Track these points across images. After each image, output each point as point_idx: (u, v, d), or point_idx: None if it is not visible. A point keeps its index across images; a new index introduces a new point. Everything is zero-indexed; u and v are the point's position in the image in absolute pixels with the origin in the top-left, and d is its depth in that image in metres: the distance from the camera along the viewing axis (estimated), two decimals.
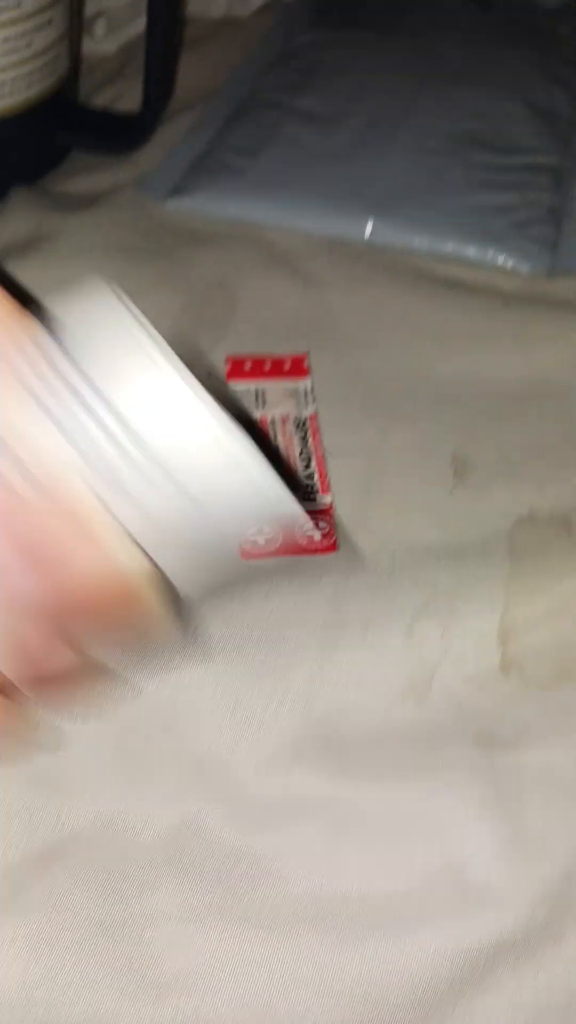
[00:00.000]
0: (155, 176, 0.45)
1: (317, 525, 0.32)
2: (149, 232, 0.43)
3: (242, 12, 0.59)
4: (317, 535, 0.31)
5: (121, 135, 0.48)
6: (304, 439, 0.34)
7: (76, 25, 0.47)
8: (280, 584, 0.30)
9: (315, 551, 0.31)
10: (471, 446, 0.35)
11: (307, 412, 0.35)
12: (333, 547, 0.31)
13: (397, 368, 0.37)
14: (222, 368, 0.36)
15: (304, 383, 0.36)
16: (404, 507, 0.33)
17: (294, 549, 0.31)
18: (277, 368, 0.36)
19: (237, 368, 0.36)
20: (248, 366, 0.36)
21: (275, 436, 0.34)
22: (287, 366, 0.37)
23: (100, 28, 0.55)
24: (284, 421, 0.35)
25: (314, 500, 0.32)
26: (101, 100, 0.51)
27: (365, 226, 0.41)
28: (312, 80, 0.49)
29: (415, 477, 0.34)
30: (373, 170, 0.44)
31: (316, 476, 0.33)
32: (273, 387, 0.36)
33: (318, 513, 0.32)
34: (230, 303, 0.39)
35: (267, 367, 0.36)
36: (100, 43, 0.55)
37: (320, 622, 0.29)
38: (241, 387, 0.36)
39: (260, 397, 0.35)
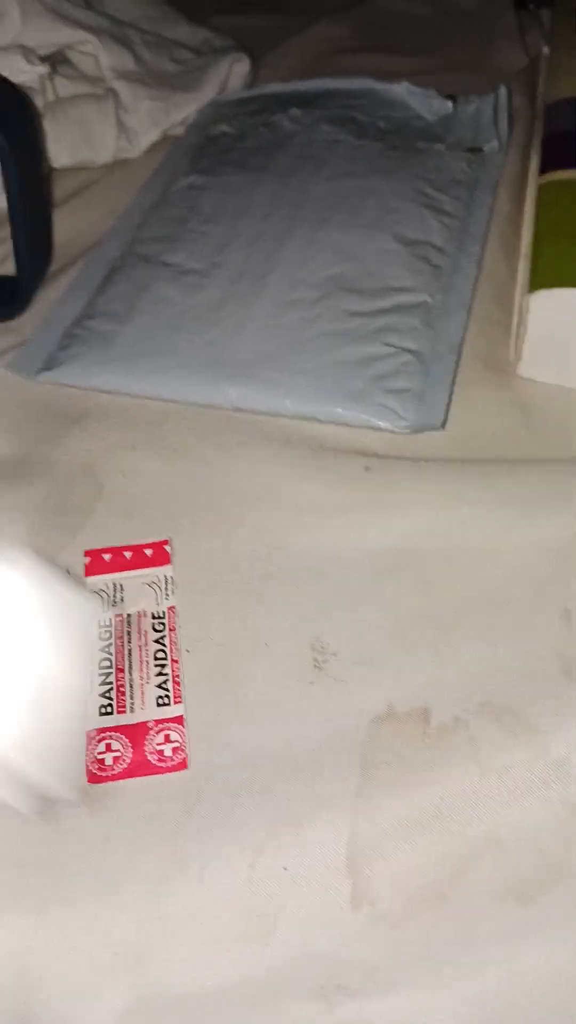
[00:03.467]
0: (28, 349, 0.45)
1: (168, 739, 0.31)
2: (17, 412, 0.43)
3: (131, 153, 0.60)
4: (168, 750, 0.31)
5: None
6: (160, 639, 0.34)
7: None
8: (118, 813, 0.30)
9: (165, 770, 0.31)
10: (330, 630, 0.34)
11: (165, 605, 0.35)
12: (183, 764, 0.31)
13: (259, 545, 0.37)
14: (81, 563, 0.37)
15: (164, 571, 0.36)
16: (259, 710, 0.32)
17: (144, 769, 0.31)
18: (138, 557, 0.36)
19: (96, 562, 0.36)
20: (108, 558, 0.36)
21: (129, 636, 0.34)
22: (149, 553, 0.37)
23: None
24: (140, 618, 0.34)
25: (167, 706, 0.32)
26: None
27: (229, 393, 0.42)
28: (185, 230, 0.50)
29: (273, 672, 0.33)
30: (236, 332, 0.44)
31: (170, 682, 0.33)
32: (132, 580, 0.36)
33: (170, 723, 0.32)
34: (95, 487, 0.39)
35: (128, 557, 0.36)
36: None
37: (156, 861, 0.28)
38: (100, 581, 0.36)
39: (118, 592, 0.35)
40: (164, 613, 0.35)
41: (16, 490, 0.39)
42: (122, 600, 0.35)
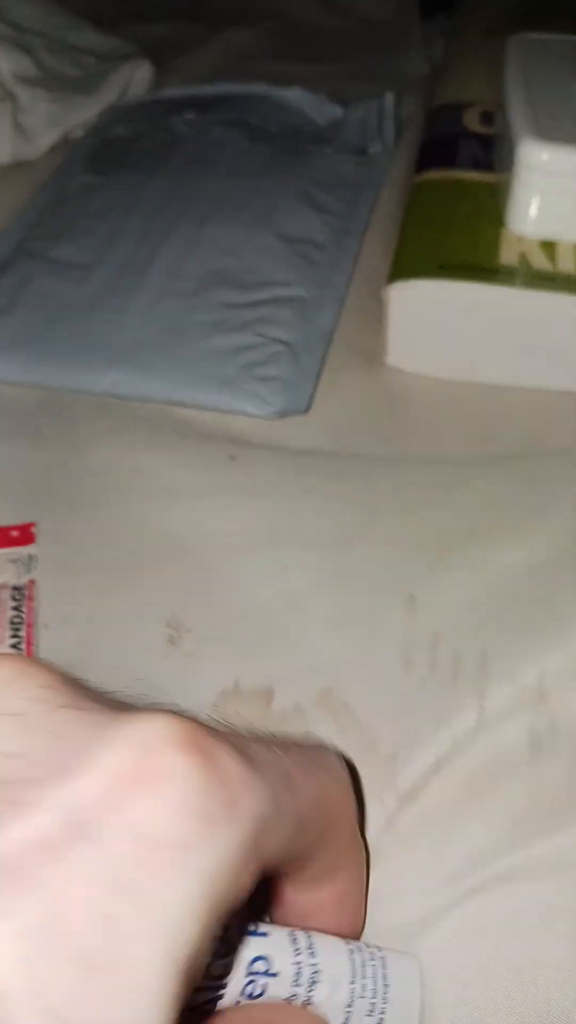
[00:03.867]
0: None
1: None
2: None
3: (30, 155, 0.61)
4: None
5: None
6: (18, 608, 0.35)
7: None
8: None
9: None
10: (187, 608, 0.36)
11: (25, 579, 0.36)
12: None
13: (125, 528, 0.38)
14: None
15: (28, 550, 0.37)
16: (113, 682, 0.33)
17: None
18: (3, 537, 0.38)
19: None
20: None
21: None
22: (15, 534, 0.38)
23: None
24: (2, 588, 0.36)
25: None
26: None
27: (105, 379, 0.43)
28: (74, 227, 0.51)
29: (128, 647, 0.35)
30: (116, 320, 0.45)
31: (23, 645, 0.34)
32: None
33: None
34: None
35: None
36: None
37: None
38: None
39: None
40: (23, 586, 0.36)
41: None
42: None
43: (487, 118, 0.52)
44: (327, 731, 0.32)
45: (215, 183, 0.53)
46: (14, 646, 0.34)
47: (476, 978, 0.26)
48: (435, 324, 0.43)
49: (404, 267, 0.43)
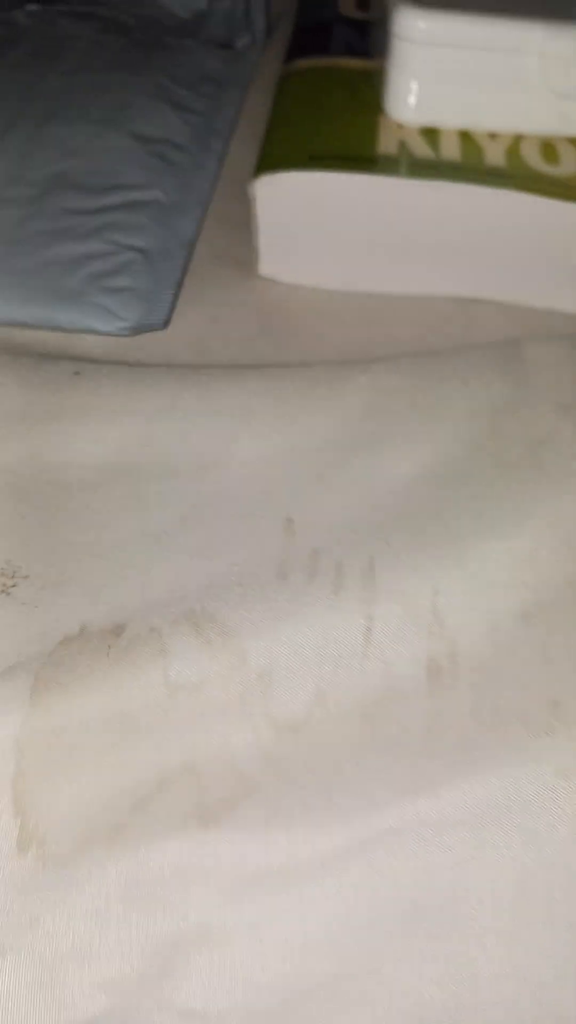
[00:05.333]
0: None
1: None
2: None
3: None
4: None
5: None
6: None
7: None
8: None
9: None
10: (24, 551, 0.30)
11: None
12: None
13: None
14: None
15: None
16: None
17: None
18: None
19: None
20: None
21: None
22: None
23: None
24: None
25: None
26: None
27: None
28: None
29: None
30: None
31: None
32: None
33: None
34: None
35: None
36: None
37: None
38: None
39: None
40: None
41: None
42: None
43: (363, 3, 0.47)
44: (188, 646, 0.27)
45: (60, 79, 0.47)
46: None
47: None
48: (308, 224, 0.38)
49: (271, 159, 0.38)
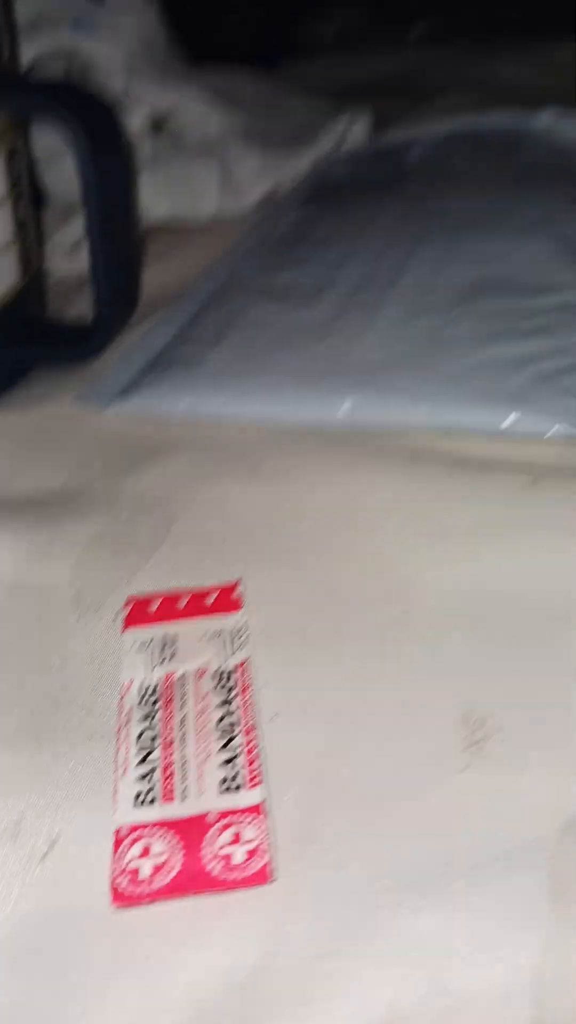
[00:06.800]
0: (100, 382, 0.37)
1: (239, 838, 0.20)
2: (80, 450, 0.34)
3: (236, 208, 0.54)
4: (239, 855, 0.20)
5: (76, 346, 0.41)
6: (227, 701, 0.23)
7: (34, 235, 0.42)
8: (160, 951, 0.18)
9: (234, 884, 0.19)
10: (491, 697, 0.23)
11: (234, 660, 0.24)
12: (262, 875, 0.19)
13: (379, 581, 0.26)
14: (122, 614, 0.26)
15: (234, 619, 0.25)
16: (381, 804, 0.21)
17: (200, 882, 0.19)
18: (197, 604, 0.26)
19: (139, 611, 0.26)
20: (154, 607, 0.26)
21: (183, 699, 0.23)
22: (210, 600, 0.26)
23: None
24: (199, 676, 0.24)
25: (237, 792, 0.21)
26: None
27: (341, 404, 0.32)
28: (291, 257, 0.42)
29: (404, 751, 0.22)
30: (354, 341, 0.35)
31: (243, 759, 0.22)
32: (188, 630, 0.25)
33: (243, 815, 0.20)
34: (164, 521, 0.30)
35: (182, 604, 0.26)
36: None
37: (236, 1007, 0.17)
38: (143, 635, 0.25)
39: (168, 646, 0.25)
40: (233, 670, 0.24)
41: (65, 523, 0.30)
42: (173, 656, 0.25)
43: None
44: None
45: (463, 201, 0.44)
46: (227, 761, 0.21)
47: None
48: None
49: None
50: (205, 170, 0.52)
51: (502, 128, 0.52)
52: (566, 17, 0.83)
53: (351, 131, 0.58)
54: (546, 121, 0.51)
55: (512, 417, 0.30)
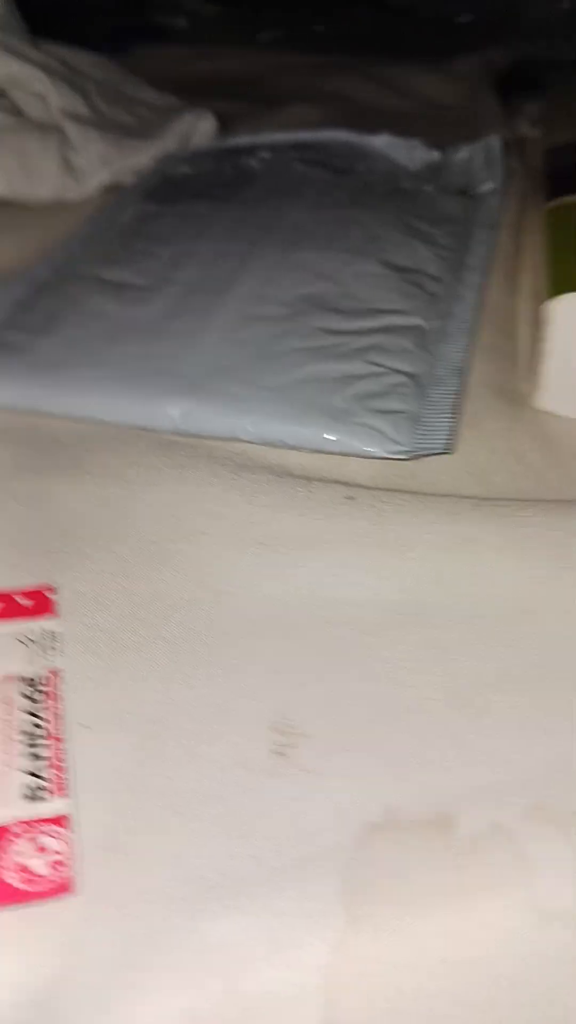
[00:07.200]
0: None
1: (41, 849, 0.20)
2: None
3: (77, 194, 0.53)
4: (41, 866, 0.19)
5: None
6: (35, 711, 0.23)
7: None
8: None
9: (34, 896, 0.19)
10: (299, 706, 0.24)
11: (44, 667, 0.24)
12: (64, 886, 0.19)
13: (199, 589, 0.27)
14: None
15: (45, 624, 0.25)
16: (188, 810, 0.21)
17: (5, 896, 0.19)
18: (7, 606, 0.26)
19: None
20: None
21: None
22: (23, 602, 0.26)
23: None
24: (5, 681, 0.23)
25: (41, 802, 0.21)
26: None
27: (172, 410, 0.32)
28: (131, 251, 0.42)
29: (211, 757, 0.22)
30: (187, 345, 0.35)
31: (48, 769, 0.21)
32: None
33: (46, 824, 0.20)
34: None
35: None
36: None
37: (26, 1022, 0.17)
38: None
39: None
40: (42, 678, 0.24)
41: None
42: None
43: None
44: (558, 856, 0.19)
45: (299, 212, 0.44)
46: (33, 773, 0.21)
47: None
48: None
49: (565, 283, 0.33)
50: (42, 149, 0.51)
51: (343, 143, 0.54)
52: (420, 42, 0.86)
53: (197, 128, 0.58)
54: (383, 143, 0.53)
55: (331, 436, 0.31)
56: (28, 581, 0.27)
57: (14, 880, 0.19)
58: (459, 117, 0.72)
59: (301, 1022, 0.17)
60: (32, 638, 0.25)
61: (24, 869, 0.19)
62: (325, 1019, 0.17)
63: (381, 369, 0.34)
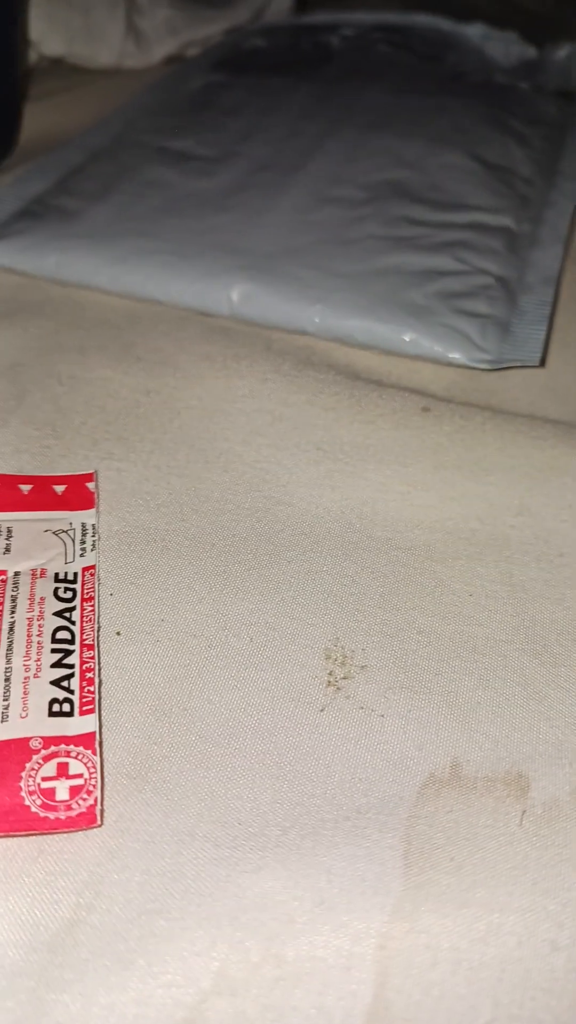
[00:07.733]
0: None
1: (64, 771, 0.17)
2: None
3: (140, 62, 0.48)
4: (63, 790, 0.17)
5: None
6: (68, 611, 0.20)
7: None
8: None
9: (54, 825, 0.17)
10: (358, 630, 0.21)
11: (79, 564, 0.21)
12: (90, 818, 0.17)
13: (249, 494, 0.24)
14: None
15: (84, 517, 0.22)
16: (228, 742, 0.19)
17: (15, 820, 0.17)
18: (43, 493, 0.23)
19: None
20: None
21: (13, 603, 0.20)
22: (60, 490, 0.23)
23: None
24: (34, 578, 0.21)
25: (67, 717, 0.18)
26: None
27: (231, 293, 0.29)
28: (195, 120, 0.38)
29: (258, 682, 0.20)
30: (252, 221, 0.31)
31: (76, 679, 0.19)
32: (26, 524, 0.22)
33: (71, 743, 0.18)
34: (16, 392, 0.26)
35: (25, 492, 0.23)
36: None
37: (38, 967, 0.14)
38: None
39: (1, 539, 0.22)
40: (76, 576, 0.21)
41: None
42: (6, 551, 0.21)
43: None
44: None
45: (382, 95, 0.40)
46: (59, 683, 0.19)
47: None
48: None
49: None
50: (109, 11, 0.46)
51: (432, 29, 0.49)
52: None
53: (272, 2, 0.53)
54: (476, 34, 0.48)
55: (409, 336, 0.27)
56: (65, 468, 0.24)
57: (33, 804, 0.17)
58: (552, 22, 0.66)
59: (347, 997, 0.15)
60: (66, 530, 0.22)
61: (45, 793, 0.17)
62: (374, 997, 0.15)
63: (467, 267, 0.30)
